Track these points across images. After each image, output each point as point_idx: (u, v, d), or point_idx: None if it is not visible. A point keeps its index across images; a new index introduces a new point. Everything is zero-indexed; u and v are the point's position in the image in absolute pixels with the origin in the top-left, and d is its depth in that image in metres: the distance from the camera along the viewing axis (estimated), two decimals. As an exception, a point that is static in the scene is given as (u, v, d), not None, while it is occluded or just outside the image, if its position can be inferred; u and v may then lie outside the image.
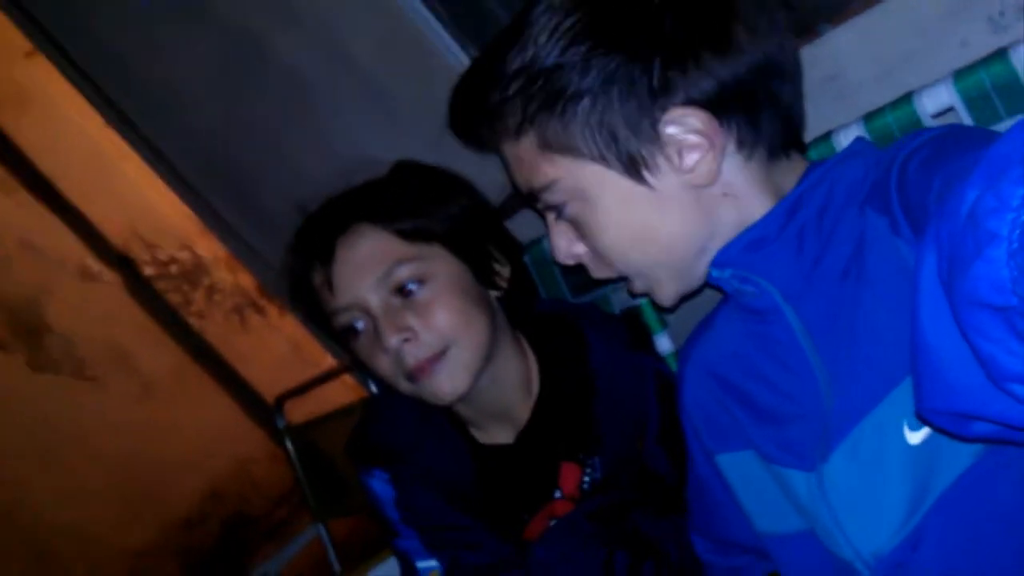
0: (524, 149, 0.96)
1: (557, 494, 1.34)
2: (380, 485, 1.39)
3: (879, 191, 0.87)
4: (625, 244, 0.97)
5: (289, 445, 2.51)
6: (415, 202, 1.30)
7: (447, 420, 1.36)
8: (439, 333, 1.23)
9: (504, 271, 1.35)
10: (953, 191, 0.59)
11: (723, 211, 0.94)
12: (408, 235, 1.26)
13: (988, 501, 0.83)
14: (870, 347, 0.87)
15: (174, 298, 3.81)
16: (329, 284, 1.24)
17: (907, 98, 1.00)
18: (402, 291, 1.23)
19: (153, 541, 3.62)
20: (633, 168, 0.92)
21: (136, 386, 3.70)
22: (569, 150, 0.93)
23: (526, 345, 1.39)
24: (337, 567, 2.50)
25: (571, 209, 0.97)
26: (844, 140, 1.05)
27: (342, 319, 1.25)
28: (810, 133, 1.11)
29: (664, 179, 0.92)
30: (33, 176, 3.55)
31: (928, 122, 0.99)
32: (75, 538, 3.46)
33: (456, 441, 1.36)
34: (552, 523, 1.34)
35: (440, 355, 1.23)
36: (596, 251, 1.00)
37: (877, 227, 0.87)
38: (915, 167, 0.81)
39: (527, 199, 1.02)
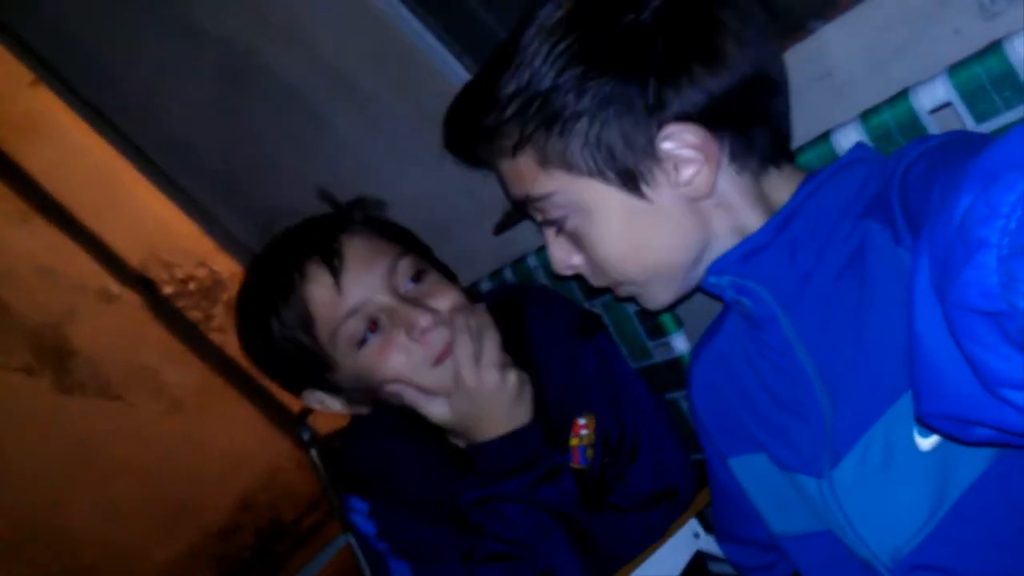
0: (523, 164, 0.97)
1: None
2: (361, 520, 1.39)
3: (881, 202, 0.87)
4: (622, 256, 0.98)
5: (315, 456, 2.51)
6: (376, 209, 1.41)
7: (424, 434, 1.38)
8: (453, 313, 1.28)
9: None
10: (947, 198, 0.60)
11: (717, 221, 0.96)
12: (392, 236, 1.35)
13: (1006, 503, 0.83)
14: (875, 356, 0.88)
15: (194, 315, 3.83)
16: (337, 286, 1.25)
17: (904, 95, 0.99)
18: (409, 283, 1.29)
19: (188, 552, 3.66)
20: (631, 182, 0.93)
21: (162, 403, 3.73)
22: (568, 166, 0.94)
23: None
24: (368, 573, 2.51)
25: (570, 222, 0.98)
26: (843, 140, 1.04)
27: (349, 324, 1.26)
28: (806, 133, 1.11)
29: (661, 192, 0.93)
30: (46, 203, 3.57)
31: (926, 118, 0.98)
32: (112, 553, 3.50)
33: (435, 451, 1.39)
34: None
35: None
36: (594, 262, 1.01)
37: (880, 238, 0.87)
38: (916, 176, 0.82)
39: (523, 211, 1.04)
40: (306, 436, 2.53)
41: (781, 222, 0.94)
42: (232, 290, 3.80)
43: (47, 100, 2.79)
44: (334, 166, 1.98)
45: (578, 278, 1.10)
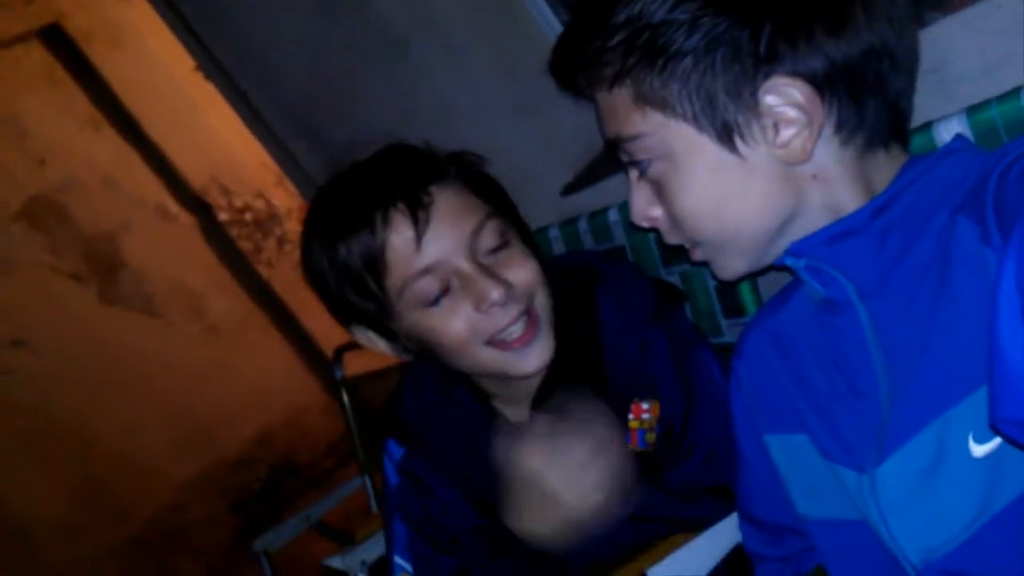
0: (619, 99, 0.93)
1: None
2: (390, 467, 1.39)
3: (975, 198, 0.84)
4: (702, 211, 0.94)
5: (344, 396, 2.55)
6: (474, 163, 1.30)
7: (470, 395, 1.34)
8: (527, 289, 1.22)
9: None
10: None
11: (810, 193, 0.92)
12: (484, 194, 1.26)
13: None
14: (944, 356, 0.85)
15: (245, 245, 3.87)
16: (417, 241, 1.19)
17: (1015, 93, 0.97)
18: (489, 250, 1.23)
19: (201, 477, 3.70)
20: (726, 135, 0.89)
21: (201, 327, 3.78)
22: (663, 106, 0.90)
23: None
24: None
25: (655, 168, 0.94)
26: (944, 132, 1.02)
27: (422, 283, 1.20)
28: (906, 123, 1.10)
29: (755, 150, 0.89)
30: (120, 114, 3.62)
31: (1035, 120, 0.97)
32: (126, 466, 3.55)
33: (480, 420, 1.34)
34: None
35: (534, 324, 1.23)
36: (672, 215, 0.97)
37: (968, 235, 0.84)
38: (1016, 176, 0.78)
39: (613, 150, 1.00)
40: (339, 375, 2.56)
41: (878, 208, 0.90)
42: (286, 226, 3.85)
43: (137, 12, 2.83)
44: (416, 108, 1.99)
45: (656, 233, 1.07)
